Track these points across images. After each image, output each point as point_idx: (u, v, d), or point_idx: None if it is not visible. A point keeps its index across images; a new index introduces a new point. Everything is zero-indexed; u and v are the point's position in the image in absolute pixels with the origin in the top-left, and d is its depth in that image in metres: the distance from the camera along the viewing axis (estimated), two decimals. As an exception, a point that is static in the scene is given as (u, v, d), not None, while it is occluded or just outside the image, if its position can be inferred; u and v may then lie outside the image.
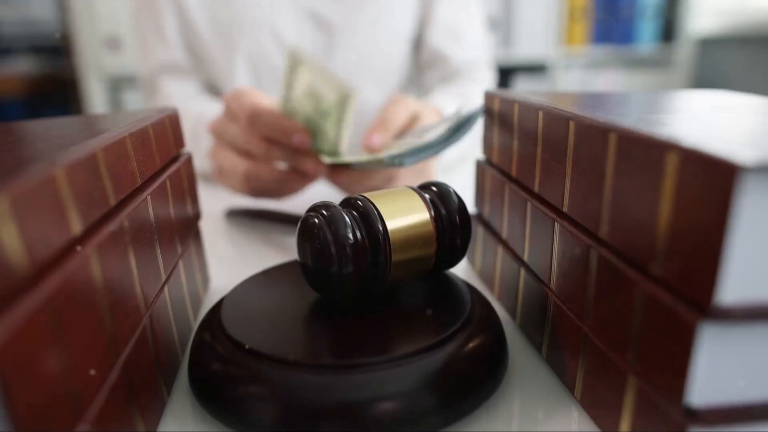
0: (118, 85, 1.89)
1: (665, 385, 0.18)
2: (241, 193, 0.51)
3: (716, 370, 0.17)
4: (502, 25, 1.84)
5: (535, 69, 1.90)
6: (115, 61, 1.83)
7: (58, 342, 0.16)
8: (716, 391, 0.17)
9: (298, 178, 0.48)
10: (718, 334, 0.16)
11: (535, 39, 1.85)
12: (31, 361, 0.14)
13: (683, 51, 1.88)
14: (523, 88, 1.88)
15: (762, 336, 0.16)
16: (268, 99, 0.50)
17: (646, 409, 0.19)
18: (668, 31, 1.88)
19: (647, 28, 1.86)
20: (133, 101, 1.88)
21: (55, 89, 2.11)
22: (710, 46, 1.88)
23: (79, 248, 0.18)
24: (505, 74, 1.89)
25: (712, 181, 0.15)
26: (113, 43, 1.81)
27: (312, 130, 0.47)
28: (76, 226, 0.18)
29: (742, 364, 0.17)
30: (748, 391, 0.17)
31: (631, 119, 0.21)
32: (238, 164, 0.48)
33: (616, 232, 0.20)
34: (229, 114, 0.49)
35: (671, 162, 0.17)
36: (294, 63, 0.47)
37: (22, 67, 2.14)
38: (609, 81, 1.91)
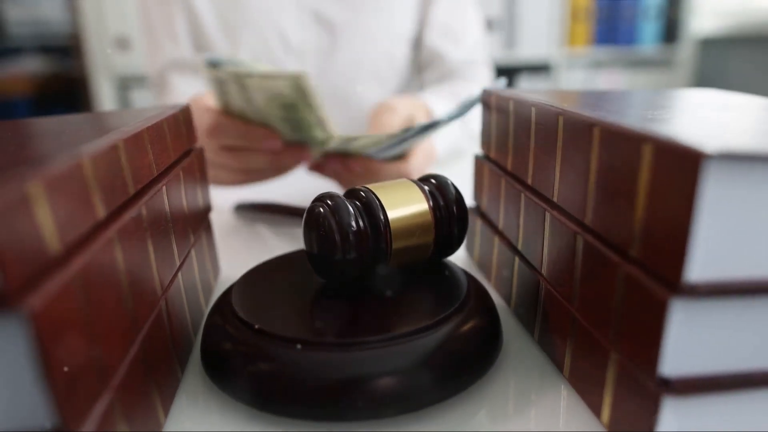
0: (126, 84, 1.92)
1: (642, 358, 0.19)
2: (236, 184, 0.53)
3: (686, 343, 0.18)
4: (505, 26, 1.85)
5: (539, 69, 1.91)
6: (124, 61, 1.85)
7: (86, 315, 0.17)
8: (687, 362, 0.18)
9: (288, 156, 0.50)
10: (687, 309, 0.18)
11: (539, 40, 1.86)
12: (64, 329, 0.16)
13: (685, 51, 1.89)
14: (525, 88, 1.89)
15: (726, 311, 0.18)
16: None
17: (626, 382, 0.20)
18: (670, 31, 1.88)
19: (649, 29, 1.87)
20: (141, 100, 1.91)
21: (64, 88, 2.14)
22: (712, 46, 1.89)
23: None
24: (509, 74, 1.90)
25: (681, 168, 0.17)
26: (122, 43, 1.83)
27: (296, 126, 0.49)
28: (101, 211, 0.20)
29: (709, 337, 0.18)
30: (716, 363, 0.19)
31: (618, 115, 0.22)
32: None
33: (599, 218, 0.22)
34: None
35: (646, 152, 0.18)
36: (237, 77, 0.47)
37: (32, 66, 2.17)
38: (612, 81, 1.92)
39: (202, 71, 0.48)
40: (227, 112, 0.51)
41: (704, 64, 1.93)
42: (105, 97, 1.89)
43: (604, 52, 1.89)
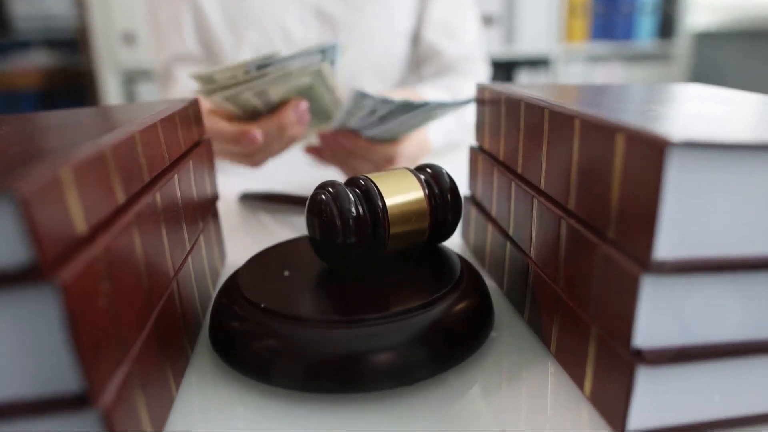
0: (132, 78, 1.94)
1: (618, 332, 0.21)
2: (236, 161, 0.54)
3: (657, 316, 0.20)
4: (504, 21, 1.87)
5: (538, 63, 1.92)
6: (130, 55, 1.87)
7: (108, 289, 0.19)
8: (658, 334, 0.20)
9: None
10: (656, 284, 0.19)
11: (537, 35, 1.88)
12: (90, 301, 0.18)
13: (681, 46, 1.90)
14: (524, 82, 1.90)
15: (692, 287, 0.20)
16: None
17: (605, 356, 0.22)
18: (666, 26, 1.90)
19: (646, 24, 1.88)
20: (147, 93, 1.93)
21: (71, 82, 2.16)
22: (707, 40, 1.90)
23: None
24: (509, 68, 1.92)
25: (649, 155, 0.18)
26: (128, 38, 1.85)
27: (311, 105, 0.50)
28: (120, 197, 0.21)
29: (677, 311, 0.20)
30: (684, 335, 0.20)
31: (599, 108, 0.24)
32: (226, 128, 0.50)
33: (581, 203, 0.23)
34: None
35: (620, 141, 0.20)
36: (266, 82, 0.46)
37: (39, 60, 2.19)
38: (609, 75, 1.93)
39: (199, 79, 0.46)
40: (213, 110, 0.51)
41: (700, 58, 1.94)
42: (111, 91, 1.91)
43: (601, 46, 1.91)
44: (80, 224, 0.18)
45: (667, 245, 0.19)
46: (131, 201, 0.23)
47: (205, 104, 0.51)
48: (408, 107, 0.45)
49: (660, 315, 0.20)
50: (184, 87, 0.76)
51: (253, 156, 0.52)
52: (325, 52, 0.45)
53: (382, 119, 0.48)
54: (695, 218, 0.19)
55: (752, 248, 0.20)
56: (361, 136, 0.52)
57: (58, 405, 0.17)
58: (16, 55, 2.19)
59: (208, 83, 0.45)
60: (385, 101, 0.44)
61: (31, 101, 2.23)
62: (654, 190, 0.18)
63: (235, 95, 0.45)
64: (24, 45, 2.18)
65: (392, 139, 0.54)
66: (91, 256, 0.18)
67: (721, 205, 0.19)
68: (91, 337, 0.17)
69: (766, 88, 1.65)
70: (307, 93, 0.49)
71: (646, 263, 0.19)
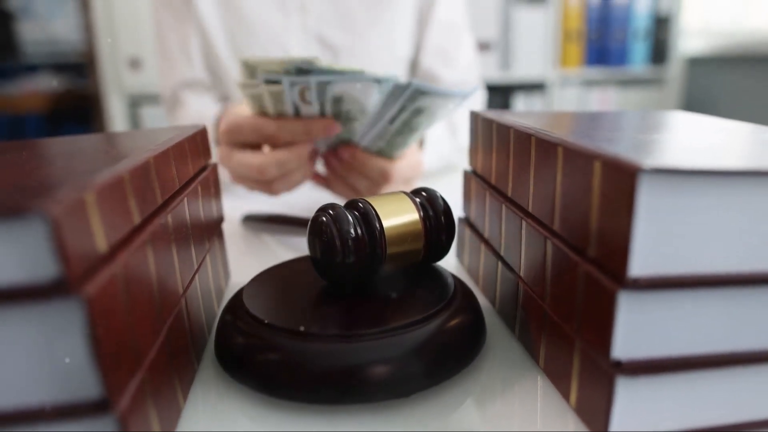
0: (137, 102, 1.97)
1: (598, 344, 0.22)
2: (255, 188, 0.56)
3: (634, 329, 0.21)
4: (500, 47, 1.91)
5: (534, 88, 1.96)
6: (136, 80, 1.91)
7: (125, 304, 0.21)
8: (636, 346, 0.22)
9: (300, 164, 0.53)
10: (632, 299, 0.21)
11: (533, 60, 1.92)
12: (110, 314, 0.19)
13: (673, 71, 1.94)
14: (521, 107, 1.94)
15: (665, 301, 0.21)
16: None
17: (588, 368, 0.24)
18: (659, 52, 1.94)
19: (639, 50, 1.92)
20: (151, 117, 1.96)
21: (77, 105, 2.20)
22: (699, 65, 1.95)
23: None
24: (505, 93, 1.96)
25: (622, 180, 0.20)
26: (134, 63, 1.89)
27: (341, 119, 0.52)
28: (136, 218, 0.23)
29: (653, 325, 0.21)
30: (661, 347, 0.22)
31: (581, 136, 0.26)
32: (251, 159, 0.53)
33: (564, 224, 0.25)
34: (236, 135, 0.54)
35: (597, 168, 0.22)
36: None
37: (46, 84, 2.23)
38: (604, 99, 1.97)
39: (246, 84, 0.49)
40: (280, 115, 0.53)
41: (692, 82, 1.98)
42: (116, 114, 1.94)
43: (596, 71, 1.95)
44: (101, 243, 0.20)
45: (640, 263, 0.20)
46: (146, 222, 0.24)
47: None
48: (422, 91, 0.47)
49: (637, 328, 0.21)
50: (192, 112, 0.78)
51: (272, 184, 0.54)
52: (381, 83, 0.47)
53: (385, 120, 0.50)
54: (667, 238, 0.20)
55: (722, 266, 0.21)
56: (358, 146, 0.54)
57: (78, 410, 0.19)
58: (23, 79, 2.23)
59: (251, 75, 0.47)
60: (421, 86, 0.46)
61: (38, 124, 2.26)
62: (627, 212, 0.20)
63: (280, 92, 0.47)
64: (31, 69, 2.23)
65: (387, 155, 0.56)
66: (111, 272, 0.19)
67: (691, 226, 0.20)
68: (110, 347, 0.19)
69: (756, 111, 1.69)
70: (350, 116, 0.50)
71: (621, 280, 0.21)
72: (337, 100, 0.48)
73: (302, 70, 0.45)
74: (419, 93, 0.47)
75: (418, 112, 0.50)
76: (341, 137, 0.54)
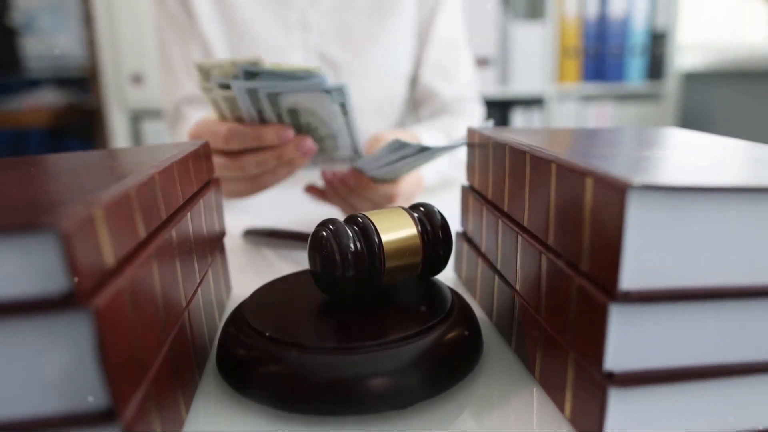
0: (139, 116, 1.99)
1: (591, 356, 0.23)
2: (249, 194, 0.56)
3: (625, 341, 0.22)
4: (499, 63, 1.93)
5: (532, 103, 1.98)
6: (138, 95, 1.93)
7: (132, 316, 0.21)
8: (628, 358, 0.22)
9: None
10: (622, 312, 0.21)
11: (531, 76, 1.94)
12: (117, 326, 0.20)
13: (670, 86, 1.96)
14: (519, 122, 1.96)
15: (655, 314, 0.22)
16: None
17: (582, 379, 0.24)
18: (655, 67, 1.96)
19: (636, 65, 1.95)
20: (153, 131, 1.97)
21: (79, 120, 2.22)
22: (695, 81, 1.97)
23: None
24: (504, 108, 1.98)
25: (612, 197, 0.21)
26: (136, 78, 1.91)
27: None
28: (142, 233, 0.24)
29: (644, 337, 0.22)
30: (652, 359, 0.22)
31: (575, 153, 0.27)
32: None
33: (558, 239, 0.26)
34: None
35: (589, 184, 0.22)
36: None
37: (48, 98, 2.25)
38: (601, 114, 1.99)
39: (208, 89, 0.48)
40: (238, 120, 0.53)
41: (689, 97, 2.00)
42: (118, 129, 1.95)
43: (593, 87, 1.97)
44: (109, 257, 0.20)
45: (631, 277, 0.21)
46: (151, 237, 0.25)
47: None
48: (422, 151, 0.47)
49: (628, 340, 0.22)
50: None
51: (257, 179, 0.53)
52: (332, 93, 0.47)
53: (395, 161, 0.50)
54: (657, 253, 0.21)
55: (711, 279, 0.22)
56: (365, 174, 0.55)
57: (85, 419, 0.19)
58: (26, 94, 2.25)
59: (206, 78, 0.47)
60: (423, 149, 0.46)
61: (40, 138, 2.28)
62: (617, 227, 0.20)
63: (234, 98, 0.47)
64: (34, 84, 2.25)
65: (392, 180, 0.57)
66: (118, 286, 0.20)
67: (680, 241, 0.21)
68: (117, 358, 0.20)
69: (752, 126, 1.70)
70: (315, 123, 0.50)
71: (613, 293, 0.21)
72: (293, 113, 0.48)
73: (249, 72, 0.45)
74: (437, 151, 0.48)
75: (430, 158, 0.52)
76: (328, 155, 0.54)
